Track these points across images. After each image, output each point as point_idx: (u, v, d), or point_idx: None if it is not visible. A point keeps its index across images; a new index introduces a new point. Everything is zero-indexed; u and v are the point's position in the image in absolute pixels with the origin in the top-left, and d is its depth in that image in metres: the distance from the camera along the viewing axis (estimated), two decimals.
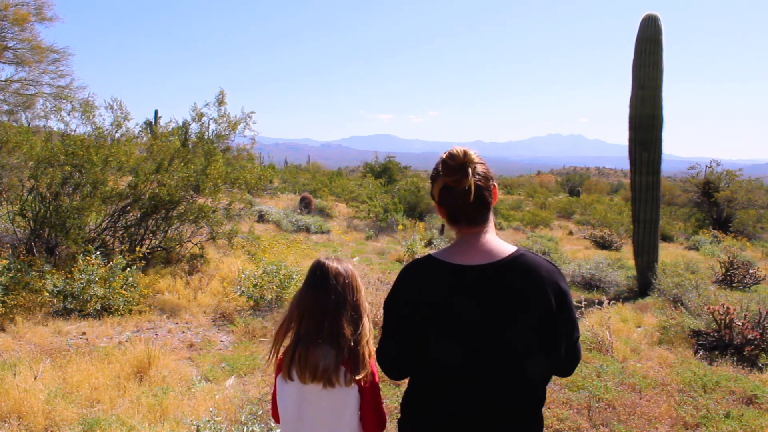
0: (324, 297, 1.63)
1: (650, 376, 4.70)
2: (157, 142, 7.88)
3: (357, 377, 1.58)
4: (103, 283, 5.69)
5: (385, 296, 1.50)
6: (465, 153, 1.39)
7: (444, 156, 1.41)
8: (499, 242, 1.43)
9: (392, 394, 4.05)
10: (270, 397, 3.82)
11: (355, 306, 1.65)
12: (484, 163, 1.43)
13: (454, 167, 1.39)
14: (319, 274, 1.65)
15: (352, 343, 1.61)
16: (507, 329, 1.36)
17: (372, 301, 5.76)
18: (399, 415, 1.57)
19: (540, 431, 1.46)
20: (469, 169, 1.37)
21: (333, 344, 1.59)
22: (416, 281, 1.44)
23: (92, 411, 3.53)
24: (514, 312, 1.35)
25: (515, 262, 1.38)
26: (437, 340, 1.38)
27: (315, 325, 1.62)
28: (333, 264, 1.67)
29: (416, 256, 10.18)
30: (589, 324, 5.65)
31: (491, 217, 1.46)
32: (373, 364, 1.65)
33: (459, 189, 1.38)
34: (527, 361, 1.37)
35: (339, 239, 13.00)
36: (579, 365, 5.02)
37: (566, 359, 1.45)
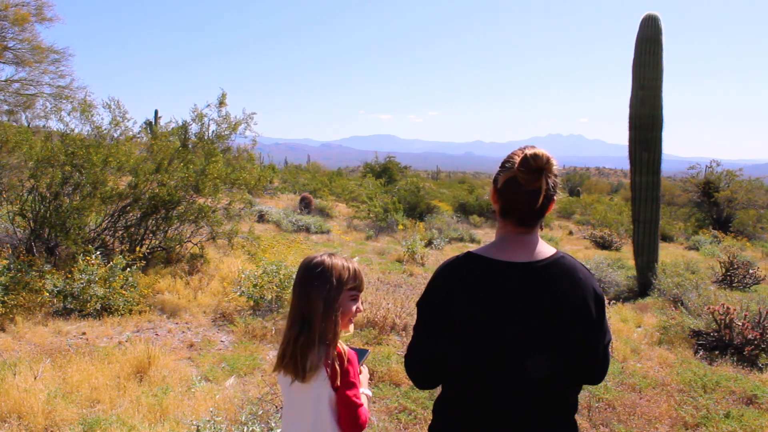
0: (301, 290, 1.64)
1: (650, 376, 4.70)
2: (157, 142, 7.88)
3: (315, 373, 1.57)
4: (103, 283, 5.69)
5: (418, 297, 1.45)
6: (548, 160, 1.35)
7: (528, 153, 1.35)
8: (542, 243, 1.42)
9: (392, 394, 4.05)
10: (270, 397, 3.82)
11: (329, 300, 1.60)
12: (557, 176, 1.41)
13: (533, 168, 1.34)
14: (301, 268, 1.67)
15: (299, 335, 1.59)
16: (551, 329, 1.34)
17: (372, 301, 5.76)
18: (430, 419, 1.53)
19: None
20: (544, 178, 1.35)
21: (308, 338, 1.59)
22: (459, 278, 1.38)
23: (92, 411, 3.53)
24: (555, 314, 1.34)
25: (558, 262, 1.38)
26: (481, 340, 1.35)
27: (293, 318, 1.64)
28: (318, 258, 1.66)
29: (416, 257, 10.22)
30: None
31: (539, 224, 1.44)
32: (353, 363, 1.65)
33: (525, 189, 1.36)
34: (563, 365, 1.37)
35: (339, 239, 13.00)
36: None
37: (602, 364, 1.44)
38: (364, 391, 1.71)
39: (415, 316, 1.46)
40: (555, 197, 1.42)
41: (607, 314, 1.44)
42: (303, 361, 1.57)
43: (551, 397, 1.39)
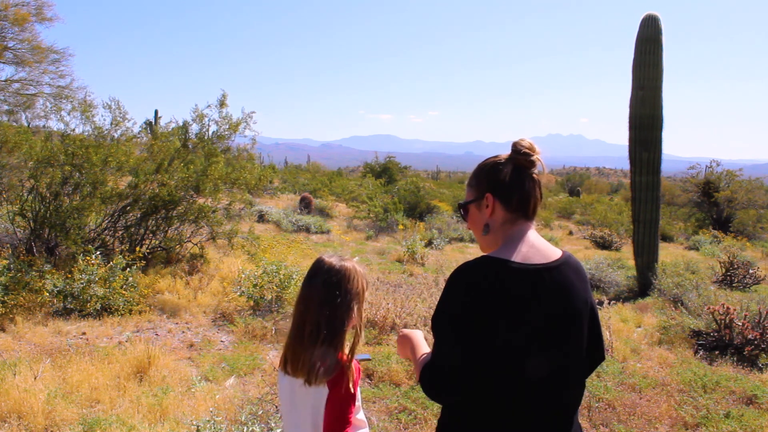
0: (309, 292, 1.62)
1: (650, 376, 4.70)
2: (157, 142, 7.88)
3: (325, 379, 1.55)
4: (103, 283, 5.68)
5: (434, 311, 1.35)
6: (532, 145, 1.41)
7: (520, 142, 1.40)
8: (546, 243, 1.43)
9: (392, 394, 4.05)
10: (270, 397, 3.82)
11: (337, 306, 1.58)
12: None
13: (529, 153, 1.39)
14: (312, 269, 1.65)
15: (325, 343, 1.57)
16: (576, 330, 1.36)
17: (372, 301, 5.76)
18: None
19: None
20: (539, 158, 1.40)
21: (312, 341, 1.58)
22: (489, 284, 1.27)
23: (92, 411, 3.53)
24: (578, 313, 1.36)
25: (569, 261, 1.39)
26: (523, 348, 1.27)
27: (298, 319, 1.62)
28: (328, 260, 1.65)
29: (416, 256, 10.22)
30: None
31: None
32: (357, 379, 1.61)
33: (531, 173, 1.40)
34: (589, 364, 1.41)
35: (339, 239, 13.00)
36: None
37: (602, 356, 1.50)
38: (360, 418, 1.68)
39: (432, 324, 1.36)
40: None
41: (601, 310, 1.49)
42: (318, 365, 1.56)
43: (578, 399, 1.40)
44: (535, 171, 1.41)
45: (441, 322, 1.31)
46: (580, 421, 1.47)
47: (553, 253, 1.38)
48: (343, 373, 1.57)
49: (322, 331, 1.57)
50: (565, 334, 1.33)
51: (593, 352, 1.43)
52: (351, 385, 1.57)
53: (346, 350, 1.63)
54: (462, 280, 1.30)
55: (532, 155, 1.38)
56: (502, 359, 1.26)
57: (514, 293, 1.26)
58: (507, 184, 1.39)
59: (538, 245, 1.37)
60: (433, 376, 1.31)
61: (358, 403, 1.68)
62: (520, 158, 1.38)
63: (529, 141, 1.40)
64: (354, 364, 1.62)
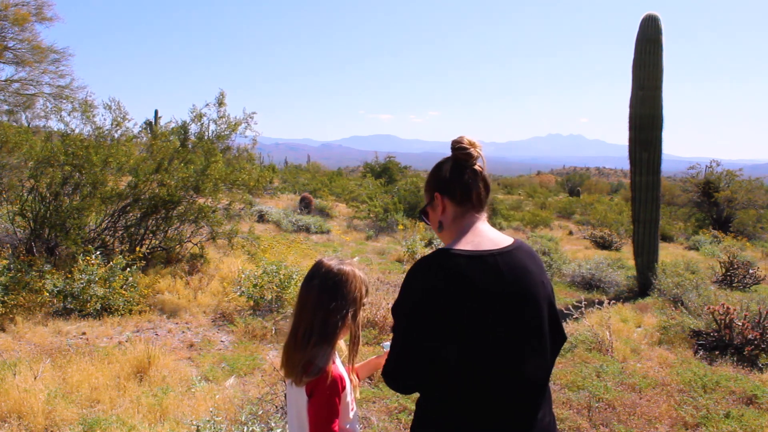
0: (306, 294, 1.61)
1: (650, 376, 4.70)
2: (156, 142, 7.88)
3: (305, 380, 1.53)
4: (103, 283, 5.69)
5: (394, 301, 1.42)
6: (473, 141, 1.49)
7: (458, 139, 1.50)
8: (498, 232, 1.50)
9: (392, 394, 4.05)
10: (270, 397, 3.82)
11: (331, 311, 1.56)
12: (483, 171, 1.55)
13: (469, 149, 1.47)
14: (311, 271, 1.64)
15: (316, 346, 1.55)
16: (535, 313, 1.40)
17: (372, 300, 5.76)
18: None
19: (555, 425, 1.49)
20: (479, 151, 1.49)
21: (304, 343, 1.56)
22: (444, 276, 1.33)
23: (92, 411, 3.53)
24: (535, 295, 1.40)
25: (521, 247, 1.46)
26: (483, 334, 1.32)
27: (294, 320, 1.62)
28: (328, 262, 1.64)
29: (416, 256, 10.22)
30: (589, 324, 5.65)
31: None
32: (340, 380, 1.58)
33: (470, 166, 1.47)
34: (553, 346, 1.45)
35: (339, 239, 13.00)
36: (579, 365, 5.00)
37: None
38: (349, 428, 1.65)
39: (392, 315, 1.43)
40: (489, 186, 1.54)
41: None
42: (304, 367, 1.55)
43: (544, 383, 1.43)
44: (477, 164, 1.49)
45: (397, 313, 1.39)
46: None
47: (504, 241, 1.45)
48: (323, 380, 1.53)
49: (314, 335, 1.56)
50: (518, 312, 1.36)
51: (554, 334, 1.46)
52: (332, 395, 1.53)
53: (338, 358, 1.61)
54: (416, 271, 1.38)
55: (468, 149, 1.46)
56: (455, 342, 1.31)
57: (464, 278, 1.33)
58: (448, 179, 1.49)
59: (488, 234, 1.45)
60: (389, 365, 1.39)
61: (352, 413, 1.65)
62: (457, 153, 1.48)
63: (469, 138, 1.49)
64: (338, 374, 1.57)
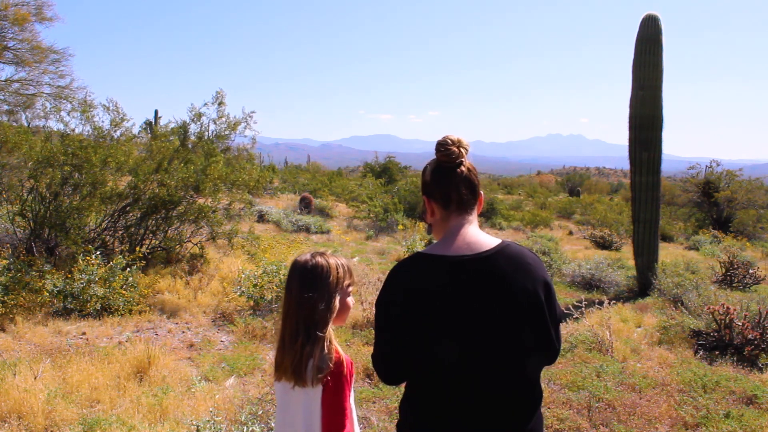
0: (287, 295, 1.61)
1: (650, 376, 4.70)
2: (156, 142, 7.89)
3: (319, 377, 1.54)
4: (103, 283, 5.69)
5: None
6: (458, 139, 1.47)
7: (441, 139, 1.48)
8: (485, 234, 1.46)
9: (392, 394, 4.05)
10: (270, 397, 3.82)
11: (315, 305, 1.56)
12: (471, 170, 1.51)
13: (450, 148, 1.45)
14: (288, 272, 1.64)
15: (308, 344, 1.56)
16: (503, 320, 1.36)
17: (372, 301, 5.77)
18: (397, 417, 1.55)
19: (541, 430, 1.46)
20: (463, 151, 1.45)
21: (292, 343, 1.57)
22: (409, 277, 1.41)
23: (92, 411, 3.53)
24: (508, 302, 1.36)
25: (503, 252, 1.40)
26: (436, 336, 1.36)
27: (280, 323, 1.62)
28: (301, 259, 1.63)
29: None
30: (589, 324, 5.65)
31: (476, 212, 1.50)
32: (351, 372, 1.61)
33: (453, 167, 1.45)
34: (524, 353, 1.39)
35: (339, 239, 13.00)
36: (579, 365, 5.00)
37: (556, 345, 1.46)
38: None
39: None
40: (480, 188, 1.51)
41: (556, 297, 1.46)
42: (307, 368, 1.55)
43: (518, 385, 1.40)
44: (460, 164, 1.45)
45: (376, 312, 1.45)
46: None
47: (486, 245, 1.41)
48: (337, 368, 1.56)
49: (301, 333, 1.56)
50: (474, 319, 1.35)
51: (541, 342, 1.41)
52: (341, 377, 1.56)
53: (337, 346, 1.62)
54: (392, 274, 1.44)
55: (449, 148, 1.44)
56: (420, 344, 1.36)
57: (431, 283, 1.37)
58: (429, 183, 1.50)
59: (471, 238, 1.43)
60: (374, 361, 1.50)
61: (353, 415, 1.66)
62: (438, 155, 1.47)
63: (454, 136, 1.47)
64: (346, 359, 1.60)
